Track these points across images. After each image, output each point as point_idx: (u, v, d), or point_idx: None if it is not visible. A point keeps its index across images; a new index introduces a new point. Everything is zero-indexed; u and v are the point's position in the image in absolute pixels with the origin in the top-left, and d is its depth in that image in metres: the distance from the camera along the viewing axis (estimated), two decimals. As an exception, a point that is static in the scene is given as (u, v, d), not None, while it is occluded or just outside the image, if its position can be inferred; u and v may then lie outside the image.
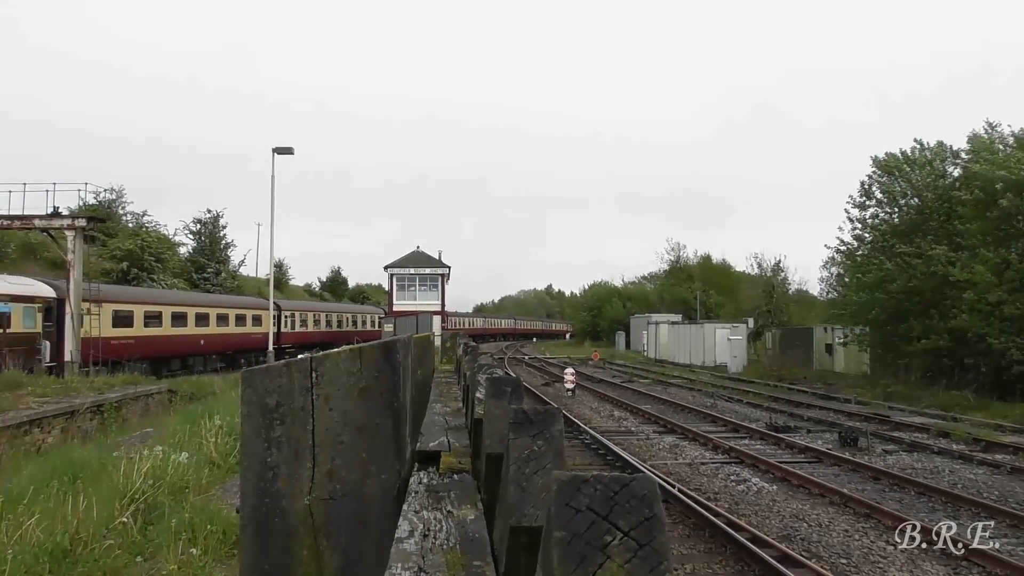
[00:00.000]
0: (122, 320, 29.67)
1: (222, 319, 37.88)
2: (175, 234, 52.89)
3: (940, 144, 30.53)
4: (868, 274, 29.61)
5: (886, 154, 31.64)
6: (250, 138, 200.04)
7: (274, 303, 43.65)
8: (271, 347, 31.82)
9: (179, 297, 37.14)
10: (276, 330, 42.43)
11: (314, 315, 50.24)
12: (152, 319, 31.52)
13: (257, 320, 40.98)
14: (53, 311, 26.18)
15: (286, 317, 44.89)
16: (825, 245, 39.73)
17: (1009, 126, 28.12)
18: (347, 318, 56.14)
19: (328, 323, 51.93)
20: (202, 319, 35.80)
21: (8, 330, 23.82)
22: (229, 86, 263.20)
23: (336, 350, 2.30)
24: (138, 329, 30.47)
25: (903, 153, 31.17)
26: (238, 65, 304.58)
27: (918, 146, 30.84)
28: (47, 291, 26.57)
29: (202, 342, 35.72)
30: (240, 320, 39.94)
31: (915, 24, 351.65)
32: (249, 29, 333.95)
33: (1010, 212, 23.58)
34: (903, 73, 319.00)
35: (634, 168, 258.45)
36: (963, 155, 28.63)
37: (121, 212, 50.72)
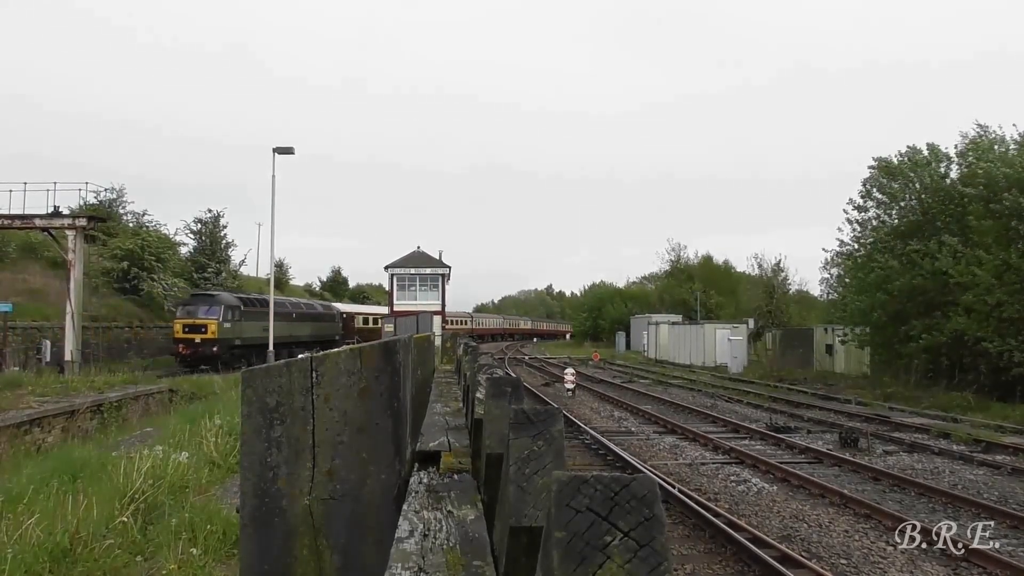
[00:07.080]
0: None
1: None
2: (176, 233, 52.82)
3: (933, 147, 30.44)
4: (870, 274, 29.52)
5: (881, 159, 31.64)
6: (250, 136, 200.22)
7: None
8: (271, 348, 31.73)
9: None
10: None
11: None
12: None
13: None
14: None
15: None
16: (823, 248, 39.71)
17: (999, 127, 28.23)
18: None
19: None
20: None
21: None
22: (231, 84, 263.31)
23: (336, 350, 2.30)
24: None
25: (900, 155, 31.14)
26: (239, 63, 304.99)
27: (910, 151, 30.79)
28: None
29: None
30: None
31: (914, 22, 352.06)
32: (248, 24, 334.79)
33: (1014, 210, 23.52)
34: (903, 72, 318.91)
35: (637, 169, 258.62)
36: (967, 156, 28.58)
37: (121, 211, 50.65)
